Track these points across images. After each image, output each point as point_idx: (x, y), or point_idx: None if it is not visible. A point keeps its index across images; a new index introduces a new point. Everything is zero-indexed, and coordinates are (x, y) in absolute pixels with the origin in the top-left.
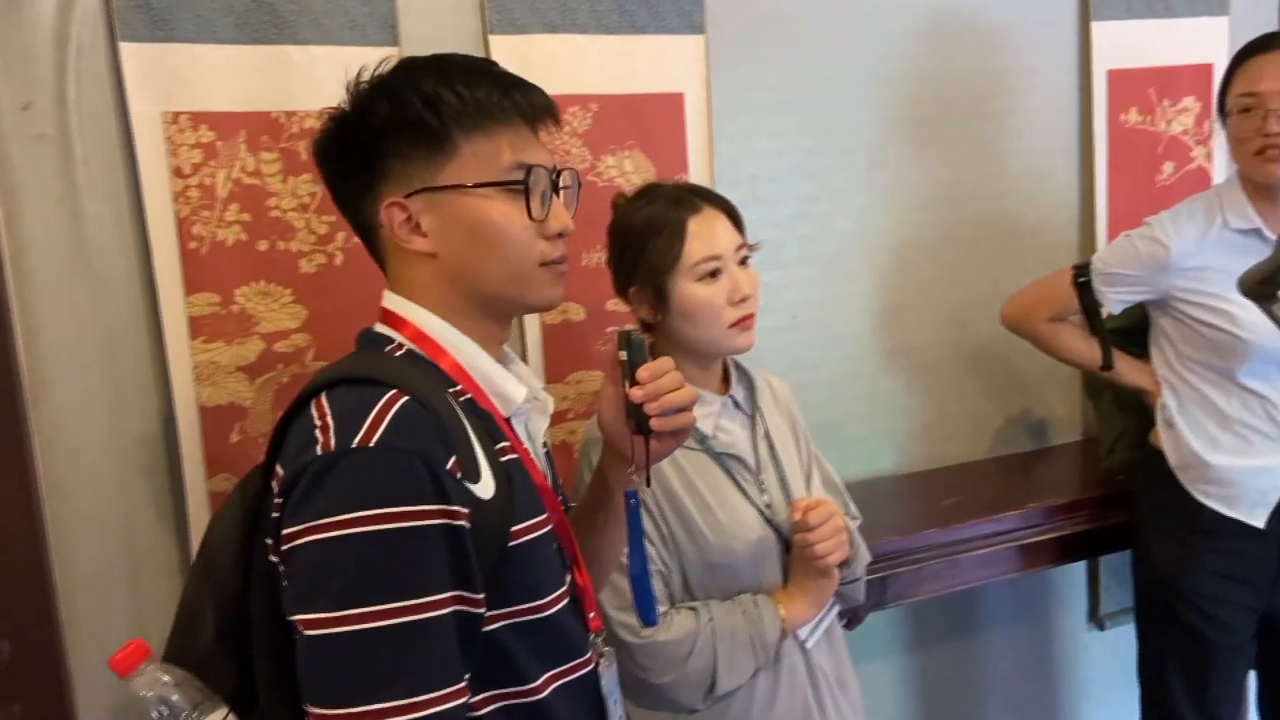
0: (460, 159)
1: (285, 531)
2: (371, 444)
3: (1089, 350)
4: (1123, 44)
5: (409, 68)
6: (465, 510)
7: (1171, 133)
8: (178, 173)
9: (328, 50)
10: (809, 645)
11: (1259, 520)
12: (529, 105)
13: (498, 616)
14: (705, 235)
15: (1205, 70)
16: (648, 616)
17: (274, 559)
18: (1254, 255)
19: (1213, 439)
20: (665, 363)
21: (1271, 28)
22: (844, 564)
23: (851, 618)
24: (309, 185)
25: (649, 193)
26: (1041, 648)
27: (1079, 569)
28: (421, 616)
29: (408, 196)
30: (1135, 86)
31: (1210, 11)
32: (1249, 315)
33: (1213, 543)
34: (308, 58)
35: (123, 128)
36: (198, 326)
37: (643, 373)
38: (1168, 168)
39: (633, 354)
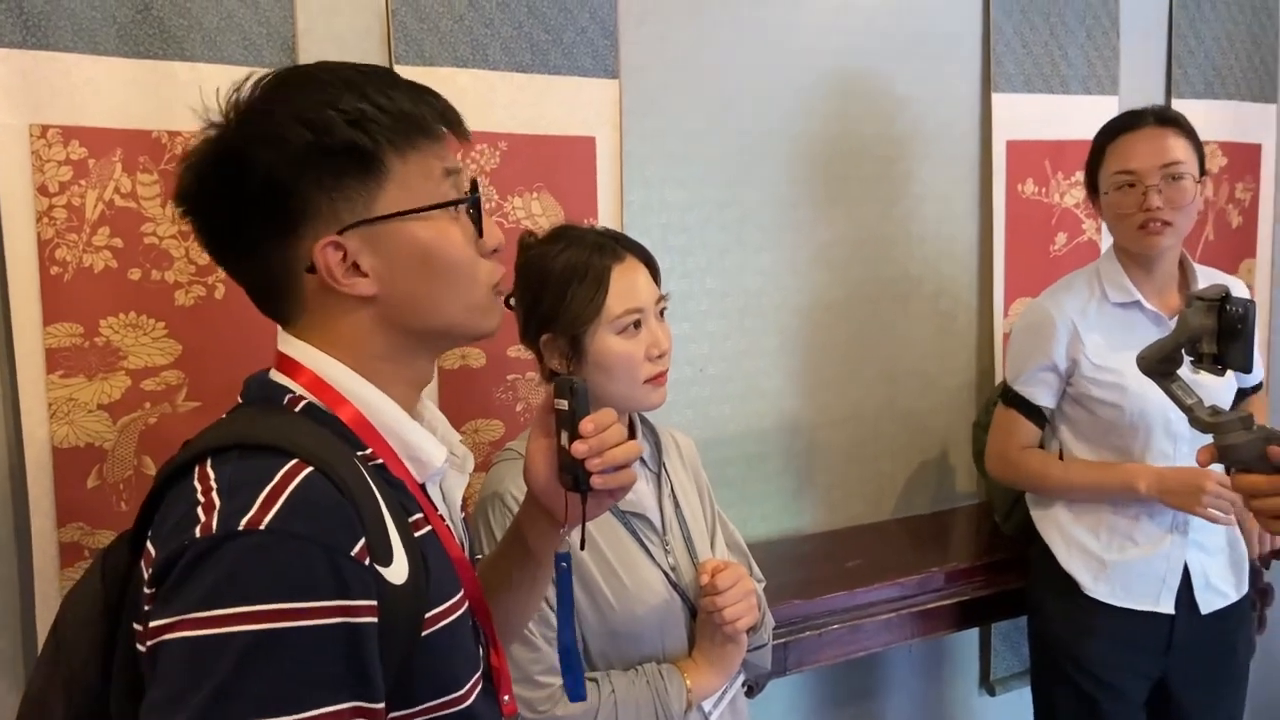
0: (396, 182)
1: (153, 624)
2: (262, 526)
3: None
4: (1021, 116)
5: (307, 84)
6: (370, 604)
7: (1064, 205)
8: (43, 191)
9: (217, 69)
10: (713, 718)
11: (1167, 606)
12: (441, 112)
13: (409, 716)
14: (628, 286)
15: None
16: (575, 691)
17: (141, 649)
18: (1137, 327)
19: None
20: (609, 414)
21: None
22: (751, 629)
23: (752, 685)
24: None
25: (564, 236)
26: (934, 713)
27: (970, 632)
28: None
29: (341, 233)
30: (1032, 158)
31: (1101, 90)
32: (1138, 386)
33: (1108, 611)
34: (195, 76)
35: None
36: (55, 359)
37: (587, 425)
38: (1060, 238)
39: (576, 403)
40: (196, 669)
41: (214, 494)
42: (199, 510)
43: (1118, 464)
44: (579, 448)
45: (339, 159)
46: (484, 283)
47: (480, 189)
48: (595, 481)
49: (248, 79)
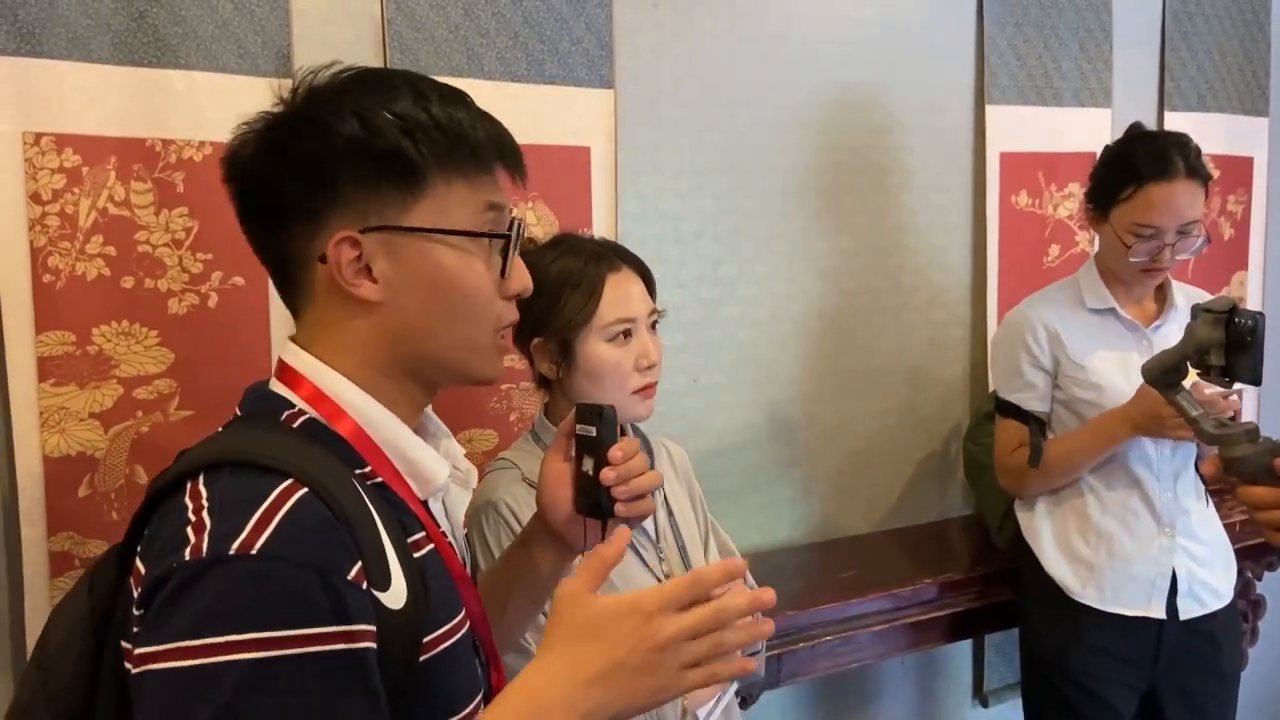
0: (434, 198)
1: (139, 651)
2: (254, 551)
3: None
4: (1014, 128)
5: (376, 80)
6: (370, 629)
7: (1058, 217)
8: (36, 198)
9: (212, 78)
10: None
11: (1158, 610)
12: (503, 145)
13: None
14: (621, 296)
15: (1089, 159)
16: None
17: (131, 669)
18: (1111, 333)
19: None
20: (633, 443)
21: (1150, 121)
22: None
23: (746, 696)
24: (184, 219)
25: (563, 243)
26: None
27: (964, 644)
28: None
29: (363, 232)
30: (1025, 170)
31: (1095, 103)
32: (1113, 384)
33: (1096, 620)
34: (190, 84)
35: None
36: (47, 368)
37: (616, 452)
38: (1054, 250)
39: (604, 430)
40: (185, 703)
41: (205, 513)
42: (189, 530)
43: (1092, 423)
44: (608, 474)
45: (382, 161)
46: (491, 324)
47: (522, 232)
48: (619, 509)
49: (330, 65)
